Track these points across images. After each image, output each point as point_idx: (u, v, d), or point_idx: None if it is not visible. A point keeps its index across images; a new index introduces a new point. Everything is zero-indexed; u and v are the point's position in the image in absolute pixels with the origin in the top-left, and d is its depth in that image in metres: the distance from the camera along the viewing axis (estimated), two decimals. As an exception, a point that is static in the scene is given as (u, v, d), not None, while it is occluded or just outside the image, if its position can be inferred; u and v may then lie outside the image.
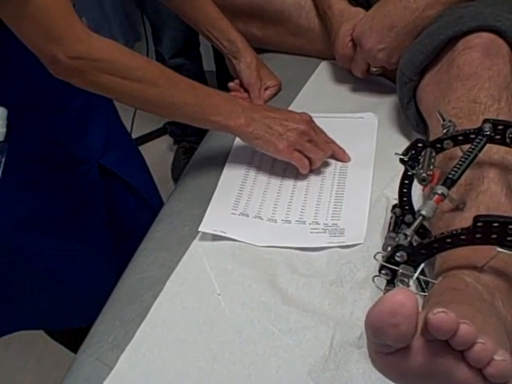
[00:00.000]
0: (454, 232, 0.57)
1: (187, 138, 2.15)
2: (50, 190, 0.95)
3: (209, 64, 2.03)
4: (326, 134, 0.93)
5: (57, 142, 0.91)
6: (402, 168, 0.74)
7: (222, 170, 0.95)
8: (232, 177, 0.94)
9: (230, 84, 1.12)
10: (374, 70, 1.05)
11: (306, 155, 0.89)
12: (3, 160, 0.77)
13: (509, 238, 0.55)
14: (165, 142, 2.24)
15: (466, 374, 0.43)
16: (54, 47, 0.74)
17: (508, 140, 0.68)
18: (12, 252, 0.96)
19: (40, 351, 1.61)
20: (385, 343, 0.43)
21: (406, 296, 0.41)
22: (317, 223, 0.84)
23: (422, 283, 0.65)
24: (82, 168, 0.96)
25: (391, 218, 0.77)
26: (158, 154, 2.20)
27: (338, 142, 0.96)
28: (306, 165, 0.89)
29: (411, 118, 0.95)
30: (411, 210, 0.76)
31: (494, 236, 0.55)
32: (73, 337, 1.30)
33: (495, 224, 0.55)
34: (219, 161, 0.97)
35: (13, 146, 0.80)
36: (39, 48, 0.75)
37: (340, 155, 0.93)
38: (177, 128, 2.16)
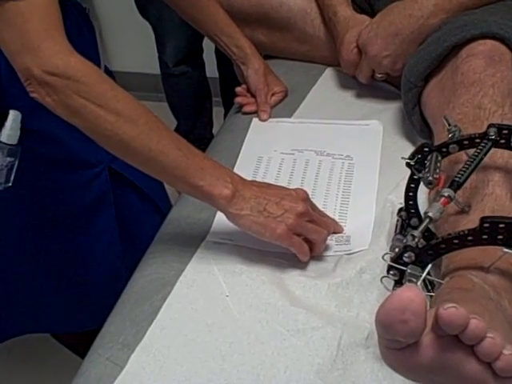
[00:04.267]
0: (461, 233, 0.58)
1: (192, 144, 2.17)
2: (60, 193, 0.96)
3: (212, 71, 2.05)
4: (320, 210, 0.84)
5: (68, 145, 0.92)
6: (406, 173, 0.76)
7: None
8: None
9: (238, 89, 1.13)
10: (379, 76, 1.07)
11: (306, 238, 0.78)
12: (16, 162, 0.78)
13: (515, 239, 0.56)
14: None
15: (476, 368, 0.44)
16: (30, 58, 0.70)
17: (512, 144, 0.70)
18: (22, 253, 0.98)
19: (44, 356, 1.62)
20: (395, 339, 0.44)
21: (415, 293, 0.43)
22: None
23: (428, 284, 0.66)
24: (92, 171, 0.97)
25: (397, 221, 0.79)
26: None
27: (344, 147, 0.98)
28: (307, 251, 0.78)
29: (416, 123, 0.96)
30: (417, 214, 0.77)
31: (500, 237, 0.57)
32: (79, 340, 1.32)
33: (501, 225, 0.56)
34: (226, 166, 0.98)
35: (25, 149, 0.80)
36: (15, 58, 0.71)
37: (337, 228, 0.84)
38: (179, 134, 2.15)
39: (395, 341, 0.44)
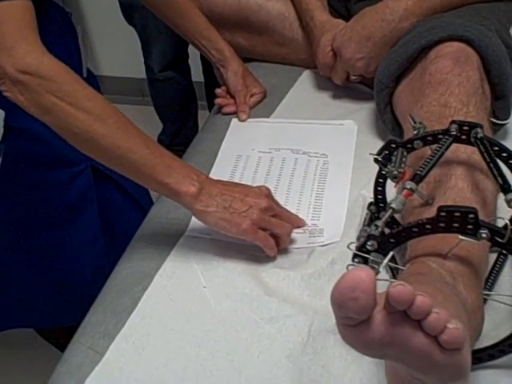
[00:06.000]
0: (420, 222, 0.61)
1: (176, 147, 2.19)
2: (43, 190, 0.98)
3: (197, 75, 2.08)
4: (282, 206, 0.87)
5: (51, 143, 0.93)
6: (377, 170, 0.79)
7: (209, 174, 0.99)
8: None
9: (217, 90, 1.17)
10: (354, 78, 1.11)
11: (272, 232, 0.82)
12: (0, 160, 0.80)
13: (469, 227, 0.59)
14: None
15: (423, 342, 0.47)
16: (4, 57, 0.72)
17: (473, 140, 0.73)
18: (5, 249, 1.00)
19: (30, 353, 1.63)
20: (348, 316, 0.48)
21: (365, 272, 0.46)
22: None
23: (393, 271, 0.70)
24: (75, 169, 1.00)
25: (367, 214, 0.82)
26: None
27: (319, 146, 1.02)
28: (273, 245, 0.81)
29: (388, 122, 1.00)
30: (385, 207, 0.80)
31: (455, 225, 0.60)
32: (63, 336, 1.34)
33: (457, 213, 0.59)
34: (206, 165, 1.02)
35: (8, 147, 0.82)
36: None
37: (299, 222, 0.87)
38: (165, 137, 2.20)
39: (349, 318, 0.48)
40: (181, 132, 2.14)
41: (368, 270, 0.47)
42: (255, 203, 0.80)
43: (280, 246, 0.83)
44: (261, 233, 0.80)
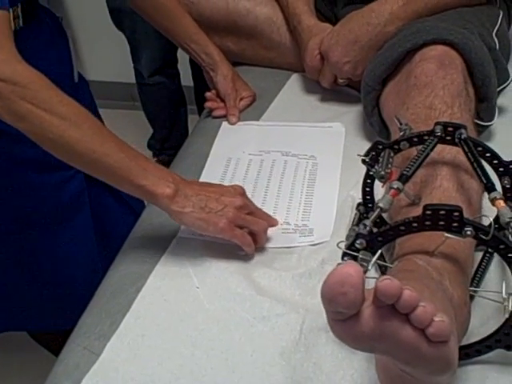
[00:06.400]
0: (407, 220, 0.63)
1: (166, 152, 2.21)
2: (35, 193, 0.99)
3: (187, 80, 2.10)
4: (256, 205, 0.88)
5: (40, 146, 0.94)
6: (365, 171, 0.81)
7: (199, 177, 1.01)
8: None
9: (207, 94, 1.18)
10: (341, 81, 1.13)
11: (248, 230, 0.83)
12: None
13: (454, 225, 0.62)
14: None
15: (411, 335, 0.49)
16: None
17: (457, 140, 0.75)
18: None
19: (23, 356, 1.63)
20: (338, 311, 0.49)
21: (353, 268, 0.48)
22: (288, 223, 0.91)
23: (381, 269, 0.72)
24: (67, 172, 1.01)
25: (355, 214, 0.84)
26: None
27: (308, 148, 1.04)
28: (250, 242, 0.83)
29: (375, 124, 1.02)
30: (373, 207, 0.82)
31: (441, 223, 0.62)
32: (57, 339, 1.34)
33: (442, 212, 0.61)
34: (197, 168, 1.04)
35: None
36: None
37: (273, 221, 0.89)
38: (156, 142, 2.22)
39: (338, 312, 0.50)
40: (171, 136, 2.15)
41: (356, 265, 0.48)
42: (230, 202, 0.81)
43: (257, 243, 0.84)
44: (238, 231, 0.82)
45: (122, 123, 2.17)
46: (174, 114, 2.12)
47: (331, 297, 0.48)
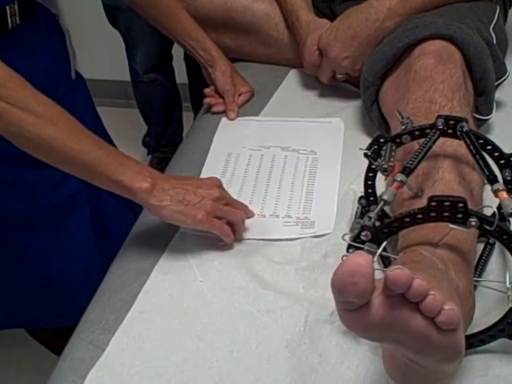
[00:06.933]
0: (412, 212, 0.64)
1: (161, 149, 2.21)
2: (31, 190, 0.99)
3: (181, 77, 2.10)
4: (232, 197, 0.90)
5: None
6: (367, 165, 0.81)
7: (200, 172, 1.02)
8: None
9: (206, 90, 1.19)
10: (340, 76, 1.13)
11: (227, 220, 0.85)
12: None
13: (459, 216, 0.62)
14: (138, 152, 2.29)
15: (421, 323, 0.50)
16: None
17: (458, 133, 0.76)
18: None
19: (21, 353, 1.63)
20: (348, 300, 0.50)
21: (363, 258, 0.49)
22: (289, 217, 0.91)
23: (385, 260, 0.72)
24: None
25: (357, 207, 0.85)
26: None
27: (308, 143, 1.04)
28: (229, 232, 0.84)
29: (374, 119, 1.03)
30: (375, 201, 0.83)
31: (446, 214, 0.62)
32: (54, 337, 1.34)
33: (447, 203, 0.62)
34: (197, 163, 1.04)
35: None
36: None
37: (249, 212, 0.91)
38: (150, 139, 2.22)
39: (349, 302, 0.50)
40: (166, 134, 2.15)
41: (366, 255, 0.49)
42: (208, 194, 0.83)
43: (236, 233, 0.86)
44: (216, 221, 0.83)
45: (117, 121, 2.16)
46: (169, 111, 2.12)
47: (342, 287, 0.49)
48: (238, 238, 0.87)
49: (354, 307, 0.50)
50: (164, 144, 2.18)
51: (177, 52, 1.96)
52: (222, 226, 0.84)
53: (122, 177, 0.79)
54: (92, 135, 0.80)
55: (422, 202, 0.74)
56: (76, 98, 1.08)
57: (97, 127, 1.15)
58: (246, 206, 0.91)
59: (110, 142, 1.22)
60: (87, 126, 1.07)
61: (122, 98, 2.53)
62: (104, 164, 0.78)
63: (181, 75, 2.08)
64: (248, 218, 0.89)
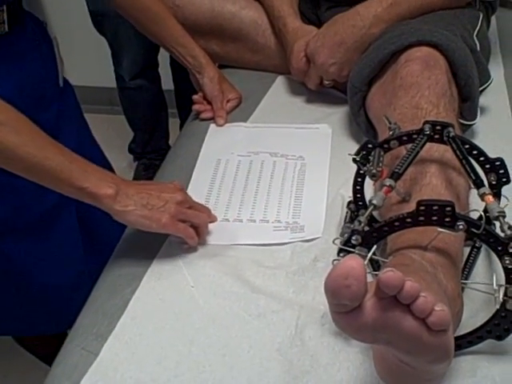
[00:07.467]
0: (401, 216, 0.65)
1: (147, 155, 2.21)
2: (18, 196, 0.99)
3: (167, 84, 2.10)
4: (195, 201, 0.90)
5: None
6: (355, 170, 0.83)
7: (190, 179, 1.02)
8: (199, 184, 1.01)
9: (194, 97, 1.19)
10: (327, 83, 1.14)
11: (191, 223, 0.86)
12: None
13: (447, 219, 0.63)
14: (125, 159, 2.29)
15: (413, 324, 0.51)
16: None
17: (445, 139, 0.78)
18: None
19: (7, 361, 1.62)
20: (341, 303, 0.51)
21: (356, 261, 0.50)
22: (279, 221, 0.92)
23: (374, 264, 0.73)
24: None
25: (347, 212, 0.86)
26: (118, 171, 2.22)
27: (296, 149, 1.06)
28: (193, 234, 0.86)
29: (362, 124, 1.04)
30: (364, 205, 0.84)
31: (434, 218, 0.64)
32: (42, 345, 1.33)
33: (435, 207, 0.63)
34: (187, 169, 1.05)
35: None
36: None
37: (212, 216, 0.92)
38: (136, 146, 2.22)
39: (342, 305, 0.51)
40: (152, 140, 2.15)
41: (358, 258, 0.50)
42: (171, 197, 0.84)
43: (200, 235, 0.87)
44: (180, 225, 0.84)
45: (102, 128, 2.17)
46: (155, 117, 2.12)
47: (335, 289, 0.50)
48: (202, 241, 0.88)
49: (347, 309, 0.51)
50: (150, 150, 2.19)
51: (163, 58, 1.96)
52: (186, 229, 0.85)
53: (86, 183, 0.79)
54: (55, 142, 0.80)
55: (410, 207, 0.76)
56: (64, 104, 1.08)
57: (84, 134, 1.15)
58: (209, 210, 0.92)
59: (98, 149, 1.22)
60: (75, 133, 1.09)
61: (107, 105, 2.53)
62: (68, 170, 0.78)
63: (167, 81, 2.09)
64: (211, 222, 0.91)
